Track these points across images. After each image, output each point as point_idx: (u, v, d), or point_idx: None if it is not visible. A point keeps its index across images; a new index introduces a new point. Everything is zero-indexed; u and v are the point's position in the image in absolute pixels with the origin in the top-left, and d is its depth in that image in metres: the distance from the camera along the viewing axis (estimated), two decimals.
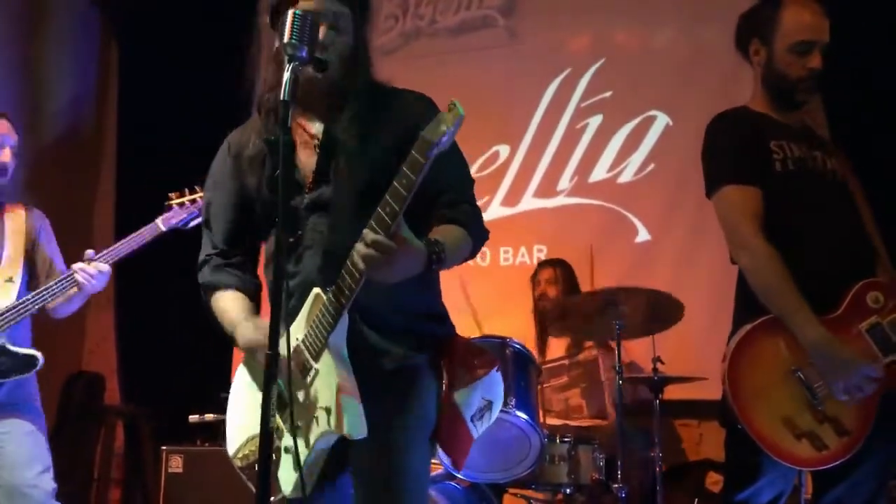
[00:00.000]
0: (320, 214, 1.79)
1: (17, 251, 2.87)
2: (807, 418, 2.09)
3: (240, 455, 1.87)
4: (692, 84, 4.50)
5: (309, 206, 1.80)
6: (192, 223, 2.85)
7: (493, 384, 1.86)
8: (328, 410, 1.66)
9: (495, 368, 1.86)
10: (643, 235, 4.59)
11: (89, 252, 2.85)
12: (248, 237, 1.94)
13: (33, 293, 2.82)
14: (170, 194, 2.88)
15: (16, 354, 2.78)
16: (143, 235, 2.85)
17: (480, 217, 1.83)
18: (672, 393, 3.49)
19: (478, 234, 1.80)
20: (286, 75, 1.56)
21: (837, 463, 2.08)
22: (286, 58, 1.58)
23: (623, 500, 3.15)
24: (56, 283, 2.81)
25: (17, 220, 2.95)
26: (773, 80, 2.30)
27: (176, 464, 3.96)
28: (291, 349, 1.67)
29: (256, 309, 1.91)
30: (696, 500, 3.71)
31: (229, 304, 1.88)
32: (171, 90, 5.14)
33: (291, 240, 1.78)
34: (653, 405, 3.36)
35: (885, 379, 2.09)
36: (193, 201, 2.86)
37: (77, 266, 2.81)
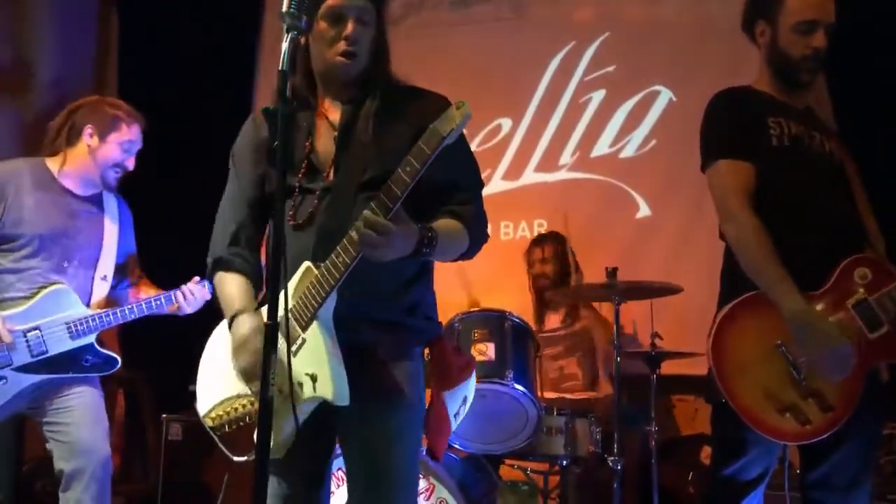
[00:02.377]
0: (327, 198, 1.84)
1: (111, 248, 2.96)
2: (790, 393, 2.11)
3: (212, 415, 1.92)
4: (697, 59, 4.48)
5: (322, 191, 1.85)
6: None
7: (472, 382, 2.09)
8: (314, 377, 1.72)
9: (473, 368, 2.09)
10: (644, 211, 4.59)
11: (197, 279, 2.96)
12: (266, 213, 1.98)
13: (136, 303, 2.91)
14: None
15: (100, 354, 2.88)
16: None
17: (484, 221, 1.92)
18: (668, 368, 3.51)
19: (476, 236, 1.88)
20: (284, 45, 1.57)
21: (822, 438, 2.10)
22: (284, 27, 1.58)
23: (619, 472, 3.18)
24: (158, 300, 2.92)
25: (113, 213, 3.01)
26: (776, 59, 2.31)
27: (176, 431, 3.99)
28: (279, 318, 1.72)
29: (257, 290, 1.96)
30: (691, 473, 3.75)
31: (234, 290, 1.92)
32: (172, 61, 5.10)
33: (300, 221, 1.84)
34: (650, 380, 3.38)
35: (872, 356, 2.10)
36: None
37: (187, 288, 2.94)
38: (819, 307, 2.12)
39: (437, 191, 1.82)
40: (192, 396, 4.01)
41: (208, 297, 2.96)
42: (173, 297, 2.93)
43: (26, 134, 4.64)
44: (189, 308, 2.95)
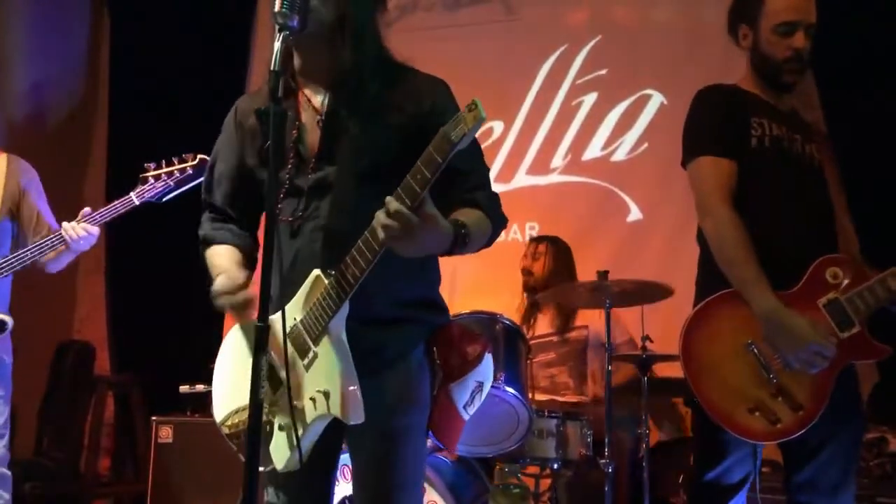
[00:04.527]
0: (323, 194, 1.77)
1: None
2: (760, 392, 2.12)
3: (228, 423, 1.87)
4: (688, 63, 4.49)
5: (313, 186, 1.78)
6: (167, 198, 2.71)
7: (485, 367, 1.89)
8: (327, 394, 1.67)
9: (487, 352, 1.88)
10: (635, 214, 4.60)
11: (85, 210, 2.76)
12: (249, 203, 1.92)
13: (21, 250, 2.75)
14: (146, 165, 2.72)
15: None
16: (116, 209, 2.72)
17: (500, 204, 1.82)
18: (659, 371, 3.52)
19: (498, 222, 1.79)
20: (276, 45, 1.56)
21: (792, 437, 2.11)
22: (276, 27, 1.57)
23: (610, 475, 3.18)
24: (45, 241, 2.73)
25: None
26: (759, 61, 2.33)
27: (166, 434, 3.98)
28: (288, 329, 1.69)
29: (252, 265, 1.90)
30: (682, 476, 3.75)
31: (220, 256, 1.89)
32: (164, 61, 5.09)
33: (290, 218, 1.78)
34: (641, 383, 3.38)
35: (842, 355, 2.11)
36: (170, 174, 2.67)
37: (67, 225, 2.73)
38: (790, 307, 2.12)
39: (448, 176, 1.62)
40: (183, 399, 4.03)
41: (94, 230, 2.74)
42: (61, 237, 2.72)
43: (5, 136, 4.62)
44: (82, 244, 2.73)
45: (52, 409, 4.85)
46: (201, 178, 2.47)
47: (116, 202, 2.71)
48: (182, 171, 2.64)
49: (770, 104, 2.34)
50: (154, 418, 4.03)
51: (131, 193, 2.69)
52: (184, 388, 3.99)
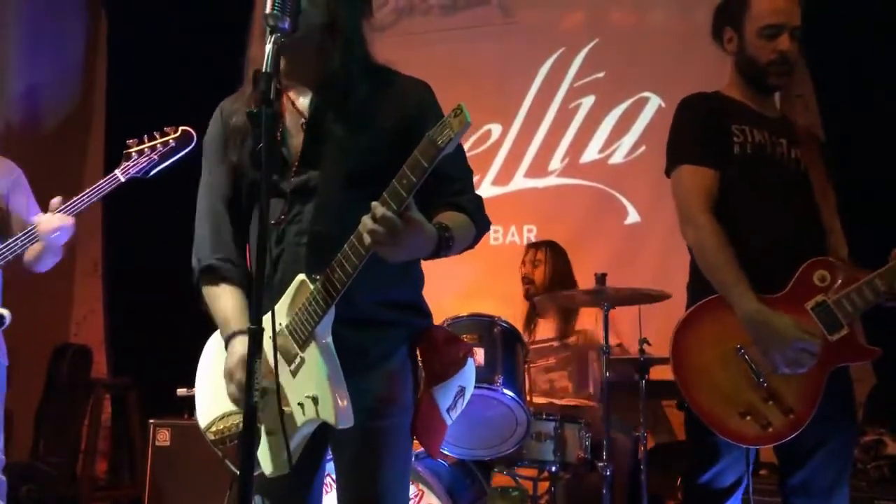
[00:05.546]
0: (307, 198, 1.76)
1: None
2: (751, 396, 2.12)
3: (213, 429, 1.86)
4: (685, 66, 4.49)
5: (296, 189, 1.77)
6: (153, 172, 2.61)
7: (468, 372, 1.90)
8: (315, 399, 1.66)
9: (470, 357, 1.90)
10: (633, 217, 4.61)
11: (55, 201, 2.65)
12: (236, 204, 1.89)
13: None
14: (128, 141, 2.62)
15: None
16: (101, 188, 2.62)
17: (483, 207, 1.83)
18: (658, 374, 3.51)
19: (481, 225, 1.81)
20: (267, 47, 1.55)
21: (784, 441, 2.11)
22: (267, 29, 1.56)
23: (608, 478, 3.18)
24: (18, 238, 2.63)
25: None
26: (744, 65, 2.34)
27: (163, 437, 3.97)
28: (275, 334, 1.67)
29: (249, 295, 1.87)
30: (680, 479, 3.75)
31: (230, 306, 1.84)
32: (161, 64, 5.09)
33: (273, 222, 1.76)
34: (639, 386, 3.38)
35: (831, 358, 2.11)
36: (153, 148, 2.60)
37: (38, 218, 2.63)
38: (778, 310, 2.12)
39: (434, 180, 1.62)
40: (180, 402, 4.02)
41: (68, 220, 2.62)
42: (35, 232, 2.61)
43: (2, 139, 4.62)
44: (58, 236, 2.61)
45: (49, 412, 4.84)
46: (185, 150, 2.56)
47: (101, 181, 2.62)
48: (165, 143, 2.59)
49: (753, 109, 2.34)
50: (151, 421, 4.02)
51: (116, 171, 2.60)
52: (181, 391, 3.97)
